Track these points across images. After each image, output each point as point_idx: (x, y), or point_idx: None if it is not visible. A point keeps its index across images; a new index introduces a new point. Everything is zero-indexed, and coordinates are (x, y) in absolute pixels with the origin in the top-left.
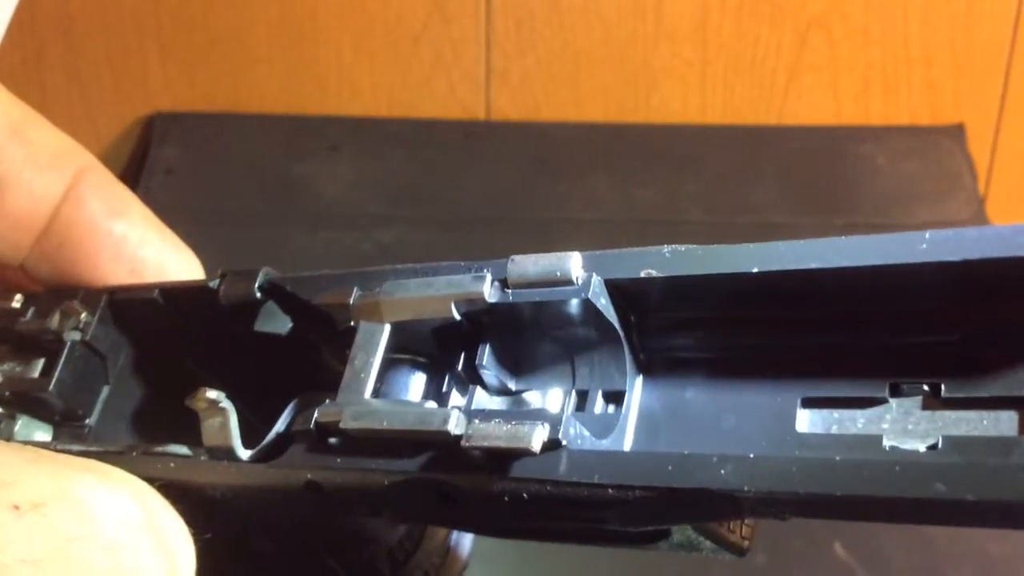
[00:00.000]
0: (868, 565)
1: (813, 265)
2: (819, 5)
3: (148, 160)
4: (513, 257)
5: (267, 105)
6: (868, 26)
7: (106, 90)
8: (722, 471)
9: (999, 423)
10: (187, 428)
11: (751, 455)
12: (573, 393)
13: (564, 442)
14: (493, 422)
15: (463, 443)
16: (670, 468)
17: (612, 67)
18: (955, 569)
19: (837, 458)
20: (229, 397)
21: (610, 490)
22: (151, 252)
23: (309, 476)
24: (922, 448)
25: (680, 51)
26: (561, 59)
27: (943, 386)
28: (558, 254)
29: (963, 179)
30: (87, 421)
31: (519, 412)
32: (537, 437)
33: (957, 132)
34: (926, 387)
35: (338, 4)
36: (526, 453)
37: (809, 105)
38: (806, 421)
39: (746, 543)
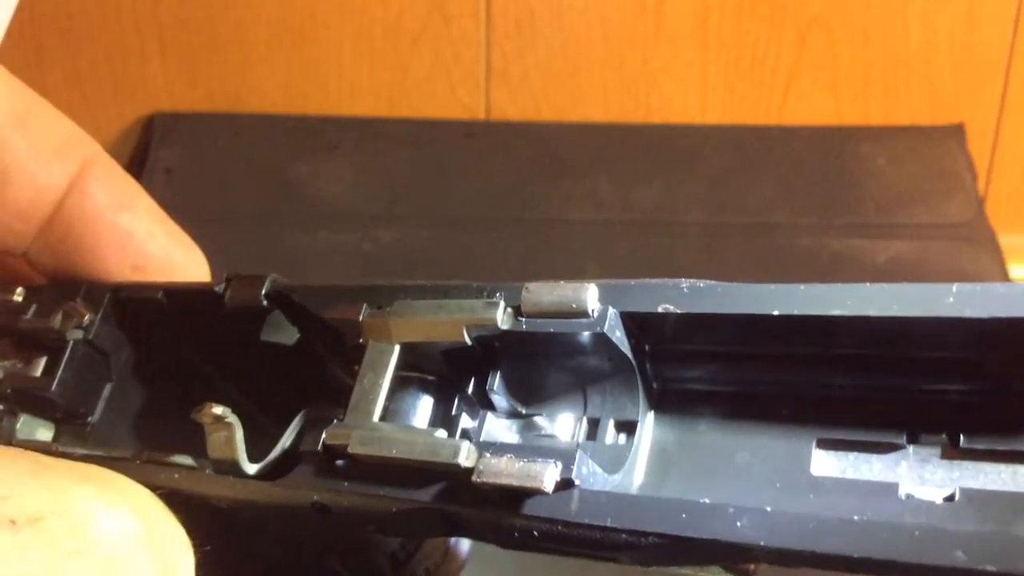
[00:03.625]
0: None
1: (835, 312)
2: (819, 5)
3: (148, 160)
4: (528, 285)
5: (267, 105)
6: (868, 26)
7: (106, 90)
8: (738, 523)
9: (1017, 477)
10: (190, 426)
11: (768, 508)
12: (584, 420)
13: (577, 481)
14: (505, 458)
15: (474, 478)
16: (684, 516)
17: (612, 67)
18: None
19: (856, 518)
20: (233, 397)
21: (623, 535)
22: (156, 247)
23: (316, 497)
24: (938, 499)
25: (680, 51)
26: (561, 59)
27: (962, 437)
28: (574, 285)
29: (963, 179)
30: (89, 419)
31: (531, 448)
32: (549, 477)
33: (957, 132)
34: (944, 436)
35: (338, 4)
36: (538, 492)
37: (809, 105)
38: (821, 463)
39: (752, 567)
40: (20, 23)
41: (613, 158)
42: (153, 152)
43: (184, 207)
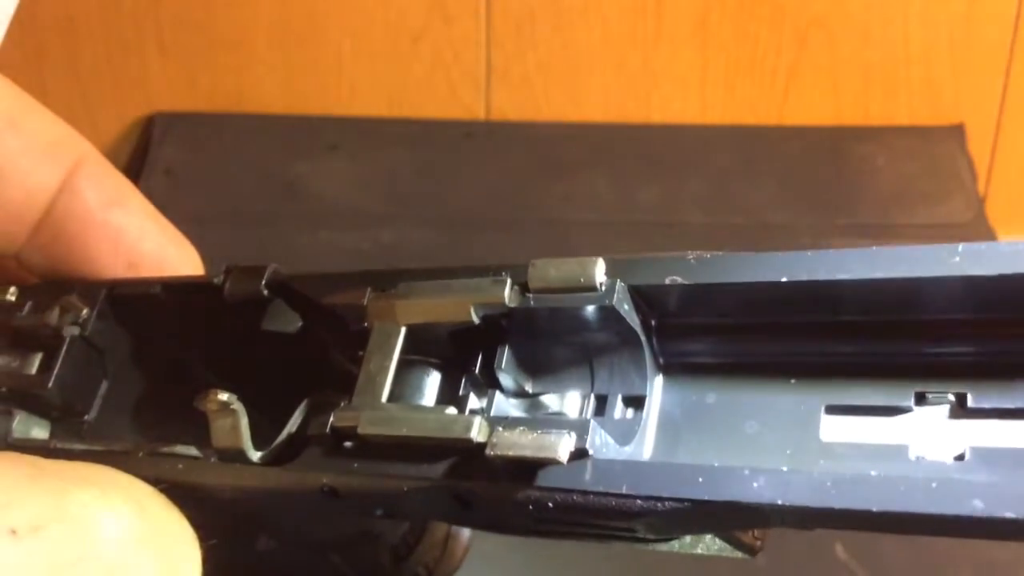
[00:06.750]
0: (869, 566)
1: (842, 276)
2: (819, 5)
3: (148, 160)
4: (534, 261)
5: (267, 105)
6: (868, 26)
7: (106, 90)
8: (754, 484)
9: None
10: (188, 422)
11: (784, 468)
12: (592, 397)
13: (590, 451)
14: (517, 430)
15: (488, 452)
16: (700, 480)
17: (612, 67)
18: (955, 572)
19: (872, 473)
20: (233, 390)
21: (639, 501)
22: (150, 245)
23: (325, 480)
24: (949, 459)
25: (680, 51)
26: (561, 59)
27: (969, 396)
28: (581, 259)
29: (963, 179)
30: (86, 417)
31: (542, 420)
32: (564, 447)
33: (957, 132)
34: (952, 396)
35: (338, 4)
36: (552, 463)
37: (809, 105)
38: (831, 429)
39: (759, 543)
40: (20, 23)
41: (613, 158)
42: (153, 152)
43: (184, 207)
